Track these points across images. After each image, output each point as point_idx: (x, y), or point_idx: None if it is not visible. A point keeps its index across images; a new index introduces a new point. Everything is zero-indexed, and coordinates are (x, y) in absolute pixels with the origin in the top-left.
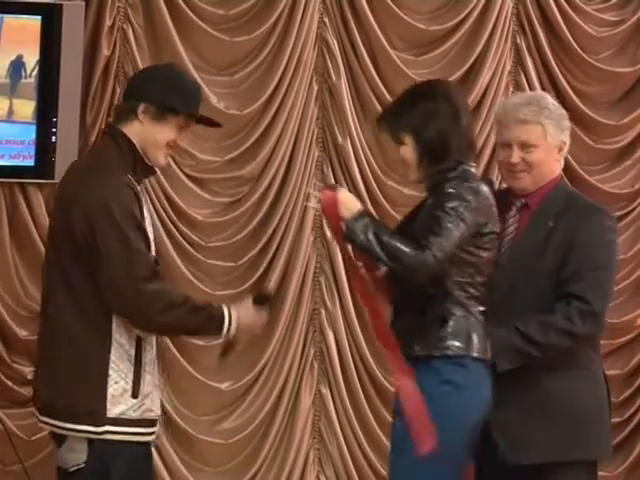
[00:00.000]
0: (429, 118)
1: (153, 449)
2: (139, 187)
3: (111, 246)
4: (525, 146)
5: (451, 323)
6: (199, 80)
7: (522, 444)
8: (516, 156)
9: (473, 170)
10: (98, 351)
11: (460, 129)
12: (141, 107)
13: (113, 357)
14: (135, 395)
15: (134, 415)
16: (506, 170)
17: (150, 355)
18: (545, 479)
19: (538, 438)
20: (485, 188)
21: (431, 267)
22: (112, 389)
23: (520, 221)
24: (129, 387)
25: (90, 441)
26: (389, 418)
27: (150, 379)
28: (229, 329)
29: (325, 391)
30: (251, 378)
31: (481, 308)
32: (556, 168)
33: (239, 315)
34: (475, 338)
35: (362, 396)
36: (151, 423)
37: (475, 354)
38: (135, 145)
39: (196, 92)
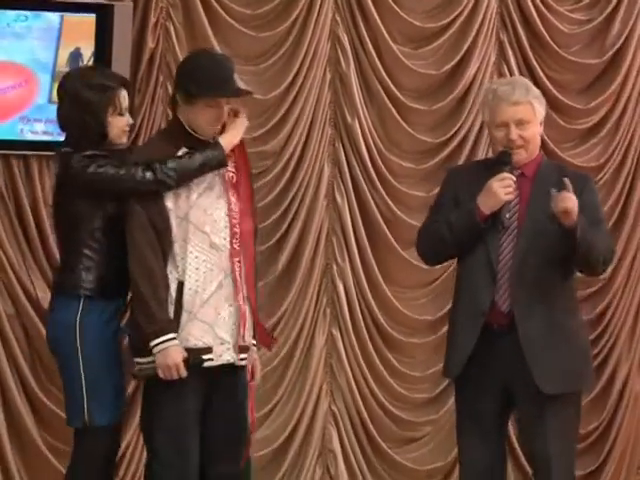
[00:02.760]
0: None
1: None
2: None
3: None
4: (520, 123)
5: None
6: None
7: (553, 375)
8: (514, 133)
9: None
10: None
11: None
12: (177, 96)
13: None
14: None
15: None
16: (505, 147)
17: (192, 298)
18: (558, 405)
19: (563, 370)
20: None
21: None
22: None
23: (521, 188)
24: None
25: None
26: (390, 356)
27: (187, 317)
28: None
29: (336, 333)
30: (273, 322)
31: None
32: (539, 141)
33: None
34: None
35: (367, 337)
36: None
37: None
38: (183, 123)
39: (215, 74)
